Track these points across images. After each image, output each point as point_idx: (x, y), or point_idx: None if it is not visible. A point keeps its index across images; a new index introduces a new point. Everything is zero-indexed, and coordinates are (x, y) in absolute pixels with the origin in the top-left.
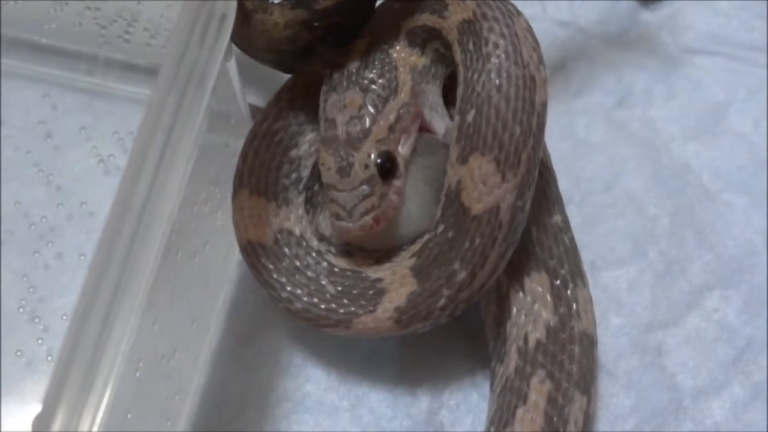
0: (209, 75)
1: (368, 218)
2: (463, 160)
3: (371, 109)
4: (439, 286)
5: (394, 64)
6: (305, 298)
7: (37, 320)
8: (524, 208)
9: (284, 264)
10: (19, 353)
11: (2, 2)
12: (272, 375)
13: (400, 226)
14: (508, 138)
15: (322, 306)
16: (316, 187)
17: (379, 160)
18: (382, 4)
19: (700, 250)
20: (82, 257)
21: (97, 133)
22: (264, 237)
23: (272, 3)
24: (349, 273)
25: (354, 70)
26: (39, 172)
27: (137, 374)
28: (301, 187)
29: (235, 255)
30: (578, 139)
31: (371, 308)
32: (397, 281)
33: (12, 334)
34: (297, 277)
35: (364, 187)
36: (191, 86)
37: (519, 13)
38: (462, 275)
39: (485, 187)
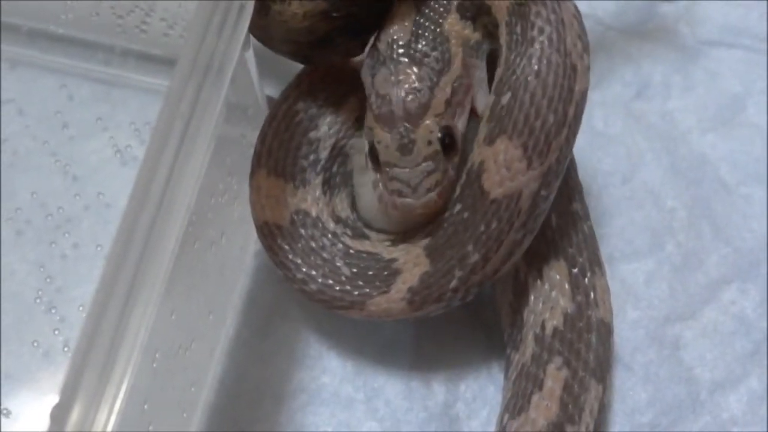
0: (227, 65)
1: (433, 194)
2: (490, 141)
3: (428, 83)
4: (452, 267)
5: (446, 35)
6: (320, 279)
7: (53, 311)
8: (548, 197)
9: (300, 245)
10: (35, 343)
11: None
12: (288, 366)
13: None
14: (540, 125)
15: (337, 288)
16: (335, 168)
17: (441, 136)
18: None
19: (717, 242)
20: (98, 248)
21: (114, 124)
22: (280, 218)
23: None
24: (364, 255)
25: (404, 43)
26: (56, 162)
27: (154, 365)
28: (318, 168)
29: (252, 246)
30: (596, 131)
31: (385, 289)
32: (411, 261)
33: (29, 325)
34: (312, 258)
35: (428, 162)
36: (210, 77)
37: None
38: (475, 257)
39: (508, 172)
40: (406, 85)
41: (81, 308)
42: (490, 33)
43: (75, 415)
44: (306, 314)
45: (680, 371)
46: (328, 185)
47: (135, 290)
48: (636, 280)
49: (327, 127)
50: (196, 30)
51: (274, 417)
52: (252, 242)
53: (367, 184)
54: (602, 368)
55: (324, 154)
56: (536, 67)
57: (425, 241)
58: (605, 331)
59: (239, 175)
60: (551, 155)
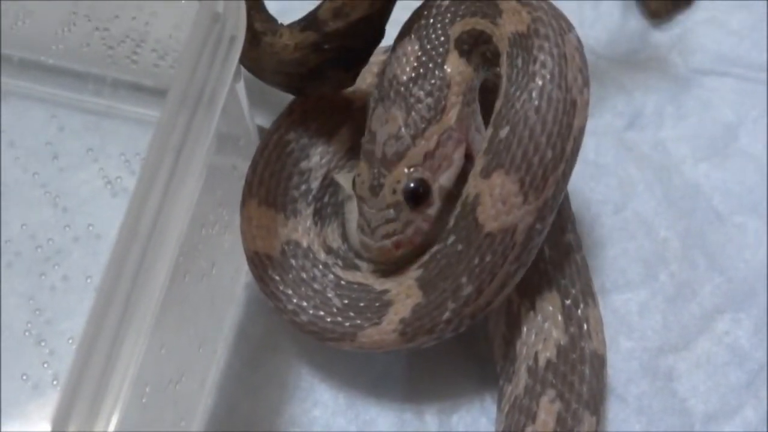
0: (218, 96)
1: (387, 242)
2: (486, 174)
3: (411, 131)
4: (445, 299)
5: (447, 80)
6: (311, 311)
7: (43, 343)
8: (543, 231)
9: (291, 276)
10: (24, 377)
11: (11, 23)
12: (280, 399)
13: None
14: (538, 161)
15: (328, 319)
16: (326, 199)
17: (411, 185)
18: (424, 3)
19: (711, 272)
20: (88, 280)
21: (104, 155)
22: (271, 248)
23: (282, 25)
24: (355, 286)
25: (404, 81)
26: (46, 193)
27: (144, 400)
28: (310, 198)
29: (242, 278)
30: (588, 160)
31: (377, 321)
32: (403, 292)
33: (18, 358)
34: (303, 289)
35: (390, 210)
36: (200, 108)
37: (570, 29)
38: (468, 290)
39: (504, 206)
40: (390, 129)
41: (70, 341)
42: (486, 61)
43: None
44: (297, 346)
45: (674, 402)
46: (319, 215)
47: (125, 323)
48: (629, 310)
49: (318, 157)
50: (187, 61)
51: None
52: (243, 274)
53: (354, 211)
54: (596, 400)
55: (315, 185)
56: (537, 102)
57: (418, 273)
58: (598, 363)
59: (230, 205)
60: (547, 190)
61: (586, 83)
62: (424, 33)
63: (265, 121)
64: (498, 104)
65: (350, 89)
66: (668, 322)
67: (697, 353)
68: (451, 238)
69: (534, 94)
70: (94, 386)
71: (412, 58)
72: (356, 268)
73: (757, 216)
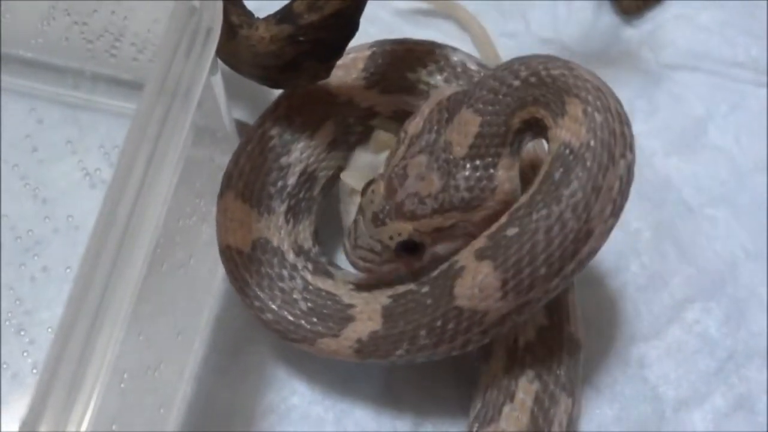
0: (195, 88)
1: (361, 264)
2: (479, 256)
3: (436, 206)
4: (401, 339)
5: (493, 187)
6: (276, 309)
7: (23, 333)
8: (519, 319)
9: (259, 273)
10: (5, 366)
11: None
12: (257, 388)
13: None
14: (529, 272)
15: (291, 319)
16: (301, 195)
17: (403, 243)
18: (485, 76)
19: (681, 263)
20: (68, 270)
21: (83, 147)
22: (243, 243)
23: (258, 18)
24: (323, 293)
25: (456, 158)
26: (26, 185)
27: (122, 385)
28: (284, 195)
29: (220, 270)
30: None
31: (336, 333)
32: (366, 314)
33: None
34: (270, 287)
35: (378, 245)
36: (177, 100)
37: (624, 154)
38: (425, 341)
39: (480, 293)
40: (420, 188)
41: (50, 330)
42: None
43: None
44: (274, 336)
45: (645, 390)
46: (292, 213)
47: (102, 310)
48: (601, 300)
49: (299, 152)
50: (164, 53)
51: None
52: (221, 266)
53: (352, 211)
54: (572, 382)
55: (292, 180)
56: (550, 223)
57: (386, 301)
58: (575, 346)
59: (207, 197)
60: (532, 294)
61: (615, 213)
62: (487, 114)
63: (243, 114)
64: (522, 199)
65: (335, 83)
66: (639, 312)
67: (667, 342)
68: (426, 288)
69: (552, 216)
70: (73, 369)
71: (470, 137)
72: (328, 275)
73: (727, 208)
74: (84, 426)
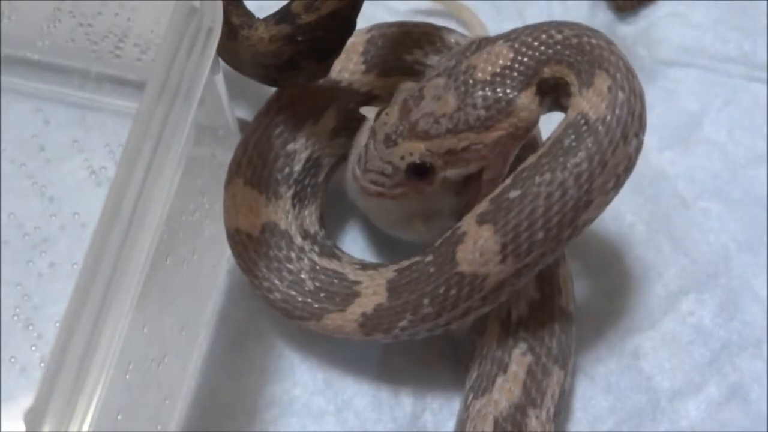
0: (196, 87)
1: (371, 187)
2: (480, 220)
3: (450, 125)
4: (405, 309)
5: (511, 109)
6: (284, 289)
7: (31, 327)
8: (516, 284)
9: (268, 256)
10: (13, 360)
11: None
12: (260, 380)
13: (408, 220)
14: (527, 236)
15: (299, 299)
16: (306, 181)
17: (418, 162)
18: (538, 25)
19: (675, 255)
20: (74, 266)
21: (89, 146)
22: (252, 227)
23: (258, 19)
24: (330, 272)
25: (477, 78)
26: (33, 184)
27: (127, 377)
28: (291, 181)
29: (224, 265)
30: None
31: (342, 308)
32: (371, 288)
33: (7, 341)
34: (279, 269)
35: (388, 167)
36: (178, 99)
37: (638, 134)
38: (428, 310)
39: (481, 257)
40: (435, 108)
41: (57, 325)
42: (556, 106)
43: (49, 422)
44: (277, 330)
45: (640, 380)
46: (298, 198)
47: (107, 303)
48: (597, 292)
49: (304, 139)
50: (165, 53)
51: (248, 429)
52: (224, 261)
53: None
54: (564, 355)
55: (298, 167)
56: (552, 189)
57: (391, 275)
58: (566, 318)
59: (210, 194)
60: (529, 259)
61: (616, 186)
62: (521, 54)
63: (244, 113)
64: (529, 160)
65: (336, 68)
66: (634, 303)
67: (662, 332)
68: (429, 257)
69: (555, 182)
70: (78, 360)
71: (497, 67)
72: (335, 257)
73: (720, 201)
74: (89, 417)
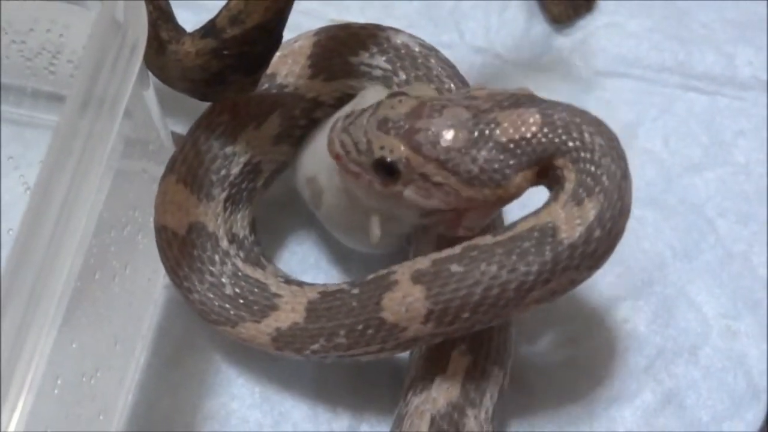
0: (119, 102)
1: (337, 148)
2: (415, 278)
3: (441, 156)
4: (320, 334)
5: (499, 183)
6: (203, 292)
7: None
8: (435, 341)
9: (192, 255)
10: None
11: None
12: (198, 395)
13: (348, 224)
14: (455, 311)
15: (216, 303)
16: (243, 185)
17: (388, 161)
18: (564, 105)
19: (611, 263)
20: None
21: (25, 163)
22: (179, 226)
23: (184, 33)
24: (252, 280)
25: (496, 136)
26: None
27: (56, 392)
28: (226, 184)
29: (161, 279)
30: None
31: (258, 319)
32: (291, 305)
33: None
34: (200, 270)
35: (364, 143)
36: (102, 111)
37: (602, 259)
38: (342, 341)
39: (406, 313)
40: (441, 134)
41: None
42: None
43: None
44: (215, 344)
45: (576, 388)
46: (231, 201)
47: (27, 318)
48: None
49: (245, 142)
50: (86, 65)
51: None
52: (161, 275)
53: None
54: (502, 356)
55: (235, 170)
56: (493, 282)
57: (314, 295)
58: (506, 321)
59: (143, 208)
60: (451, 328)
61: (551, 299)
62: (546, 135)
63: (183, 128)
64: (486, 238)
65: (283, 72)
66: (570, 311)
67: (598, 340)
68: (356, 290)
69: (498, 279)
70: None
71: (517, 134)
72: (260, 265)
73: (655, 208)
74: (12, 427)
